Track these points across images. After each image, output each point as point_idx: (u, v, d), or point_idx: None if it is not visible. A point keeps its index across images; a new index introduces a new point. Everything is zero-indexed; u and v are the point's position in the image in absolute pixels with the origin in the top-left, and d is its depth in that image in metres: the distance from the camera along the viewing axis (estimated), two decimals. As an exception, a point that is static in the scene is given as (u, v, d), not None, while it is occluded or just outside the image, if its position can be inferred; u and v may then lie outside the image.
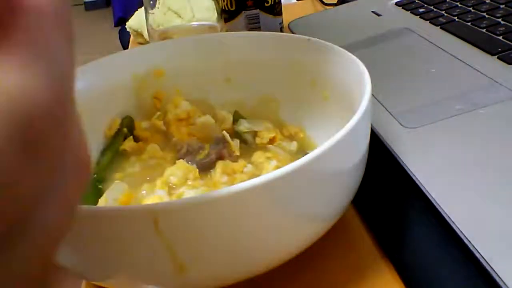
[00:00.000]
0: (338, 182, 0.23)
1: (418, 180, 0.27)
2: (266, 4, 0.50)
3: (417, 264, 0.24)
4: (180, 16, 0.51)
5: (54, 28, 0.10)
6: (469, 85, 0.35)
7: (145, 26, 0.53)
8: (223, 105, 0.38)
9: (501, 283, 0.20)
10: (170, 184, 0.30)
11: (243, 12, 0.50)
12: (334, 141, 0.21)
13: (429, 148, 0.30)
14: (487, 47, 0.40)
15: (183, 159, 0.33)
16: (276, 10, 0.51)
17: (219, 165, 0.31)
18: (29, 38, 0.09)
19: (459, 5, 0.50)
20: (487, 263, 0.21)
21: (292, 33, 0.57)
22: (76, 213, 0.11)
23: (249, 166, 0.31)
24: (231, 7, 0.50)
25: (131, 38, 0.70)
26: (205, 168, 0.32)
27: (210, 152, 0.32)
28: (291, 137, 0.36)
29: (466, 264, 0.23)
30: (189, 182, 0.30)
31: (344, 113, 0.29)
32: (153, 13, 0.50)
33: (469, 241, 0.22)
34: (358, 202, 0.29)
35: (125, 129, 0.36)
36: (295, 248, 0.23)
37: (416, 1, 0.55)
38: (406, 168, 0.29)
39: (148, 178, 0.32)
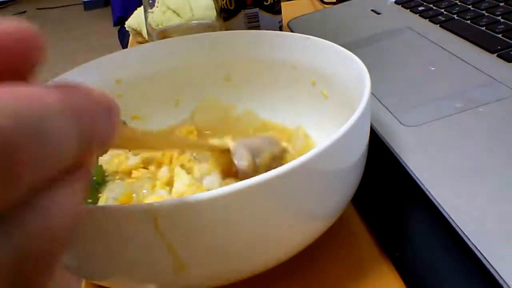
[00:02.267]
0: (338, 181, 0.23)
1: (418, 179, 0.27)
2: (265, 3, 0.50)
3: (417, 262, 0.24)
4: (179, 15, 0.51)
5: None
6: (469, 83, 0.35)
7: (144, 25, 0.52)
8: (223, 103, 0.38)
9: (501, 281, 0.20)
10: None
11: (242, 11, 0.50)
12: (334, 140, 0.21)
13: (429, 146, 0.30)
14: (487, 45, 0.40)
15: None
16: (275, 8, 0.51)
17: None
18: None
19: (459, 3, 0.50)
20: (488, 261, 0.21)
21: (292, 31, 0.57)
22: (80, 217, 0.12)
23: None
24: (231, 6, 0.50)
25: (130, 37, 0.70)
26: None
27: None
28: (290, 136, 0.36)
29: (466, 262, 0.22)
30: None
31: (344, 111, 0.29)
32: (152, 12, 0.50)
33: (470, 240, 0.22)
34: (358, 201, 0.29)
35: None
36: (295, 247, 0.23)
37: (416, -1, 0.55)
38: (405, 166, 0.29)
39: (148, 176, 0.32)
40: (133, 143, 0.20)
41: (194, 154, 0.33)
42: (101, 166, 0.33)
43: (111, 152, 0.34)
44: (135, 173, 0.32)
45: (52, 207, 0.11)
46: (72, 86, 0.12)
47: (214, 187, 0.30)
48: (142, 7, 0.53)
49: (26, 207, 0.10)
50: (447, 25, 0.46)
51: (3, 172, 0.09)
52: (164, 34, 0.50)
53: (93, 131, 0.12)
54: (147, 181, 0.31)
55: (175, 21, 0.50)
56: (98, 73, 0.35)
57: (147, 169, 0.33)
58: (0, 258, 0.10)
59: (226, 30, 0.51)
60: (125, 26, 0.67)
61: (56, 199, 0.11)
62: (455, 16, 0.48)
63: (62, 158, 0.11)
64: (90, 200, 0.30)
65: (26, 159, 0.10)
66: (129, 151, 0.29)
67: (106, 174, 0.33)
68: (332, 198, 0.23)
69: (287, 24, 0.60)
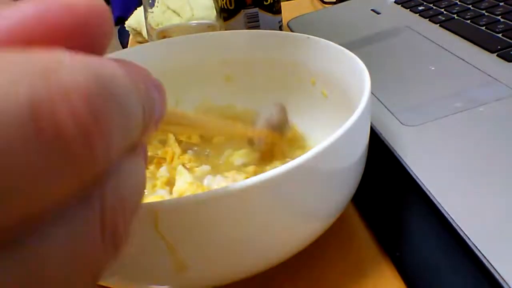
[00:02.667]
0: (338, 180, 0.23)
1: (418, 178, 0.27)
2: (265, 3, 0.50)
3: (417, 262, 0.24)
4: (179, 15, 0.51)
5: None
6: (469, 83, 0.35)
7: (144, 25, 0.52)
8: (223, 103, 0.39)
9: (501, 281, 0.20)
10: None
11: (242, 10, 0.50)
12: (334, 139, 0.21)
13: (429, 146, 0.30)
14: (487, 44, 0.40)
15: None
16: (275, 8, 0.51)
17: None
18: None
19: (458, 3, 0.50)
20: (487, 260, 0.21)
21: (292, 31, 0.57)
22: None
23: None
24: (230, 5, 0.50)
25: (130, 37, 0.70)
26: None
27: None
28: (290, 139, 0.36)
29: (466, 262, 0.23)
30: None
31: (344, 111, 0.29)
32: (152, 12, 0.50)
33: (470, 239, 0.22)
34: (358, 200, 0.29)
35: None
36: (295, 246, 0.23)
37: (415, -1, 0.55)
38: (405, 166, 0.29)
39: (148, 176, 0.32)
40: (177, 122, 0.19)
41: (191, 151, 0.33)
42: None
43: None
44: None
45: (128, 174, 0.11)
46: (127, 61, 0.12)
47: (214, 186, 0.30)
48: (142, 7, 0.53)
49: (108, 176, 0.10)
50: (447, 24, 0.46)
51: (90, 137, 0.09)
52: (164, 34, 0.50)
53: (152, 106, 0.12)
54: (147, 181, 0.31)
55: (175, 21, 0.51)
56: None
57: (147, 168, 0.33)
58: (93, 204, 0.10)
59: (226, 30, 0.51)
60: (125, 26, 0.67)
61: (129, 167, 0.11)
62: (455, 15, 0.48)
63: (137, 132, 0.11)
64: None
65: (113, 128, 0.09)
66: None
67: None
68: (332, 198, 0.23)
69: (287, 24, 0.60)
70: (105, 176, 0.10)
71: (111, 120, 0.09)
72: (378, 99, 0.36)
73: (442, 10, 0.50)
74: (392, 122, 0.33)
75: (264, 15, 0.51)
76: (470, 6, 0.48)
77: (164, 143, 0.36)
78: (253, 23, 0.51)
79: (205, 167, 0.32)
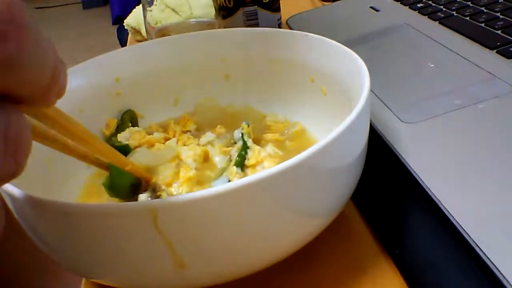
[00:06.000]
0: (338, 178, 0.23)
1: (417, 175, 0.27)
2: (264, 1, 0.50)
3: (417, 259, 0.24)
4: (178, 13, 0.51)
5: None
6: (468, 80, 0.35)
7: (143, 24, 0.52)
8: (222, 101, 0.39)
9: (501, 277, 0.20)
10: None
11: (241, 8, 0.50)
12: (333, 137, 0.21)
13: (428, 143, 0.30)
14: (486, 41, 0.40)
15: None
16: (274, 6, 0.51)
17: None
18: None
19: (458, 0, 0.50)
20: (488, 258, 0.21)
21: (291, 29, 0.57)
22: None
23: None
24: (229, 3, 0.50)
25: (129, 36, 0.70)
26: None
27: None
28: (289, 134, 0.36)
29: (466, 259, 0.23)
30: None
31: (343, 108, 0.29)
32: (151, 11, 0.50)
33: (470, 236, 0.22)
34: (358, 198, 0.29)
35: (129, 124, 0.36)
36: (295, 244, 0.23)
37: (415, -4, 0.55)
38: (405, 163, 0.29)
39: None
40: (54, 123, 0.18)
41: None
42: (127, 144, 0.33)
43: (129, 131, 0.35)
44: (158, 146, 0.34)
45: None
46: None
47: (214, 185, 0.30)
48: (140, 5, 0.53)
49: None
50: (446, 21, 0.46)
51: None
52: (163, 32, 0.50)
53: None
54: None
55: (173, 19, 0.50)
56: (97, 71, 0.35)
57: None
58: None
59: (225, 28, 0.51)
60: (124, 24, 0.67)
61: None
62: (454, 12, 0.48)
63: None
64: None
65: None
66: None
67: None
68: (331, 195, 0.23)
69: (286, 21, 0.60)
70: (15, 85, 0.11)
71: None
72: (377, 97, 0.36)
73: (441, 7, 0.50)
74: (391, 120, 0.33)
75: (263, 13, 0.51)
76: (469, 3, 0.48)
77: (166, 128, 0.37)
78: (252, 21, 0.51)
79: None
